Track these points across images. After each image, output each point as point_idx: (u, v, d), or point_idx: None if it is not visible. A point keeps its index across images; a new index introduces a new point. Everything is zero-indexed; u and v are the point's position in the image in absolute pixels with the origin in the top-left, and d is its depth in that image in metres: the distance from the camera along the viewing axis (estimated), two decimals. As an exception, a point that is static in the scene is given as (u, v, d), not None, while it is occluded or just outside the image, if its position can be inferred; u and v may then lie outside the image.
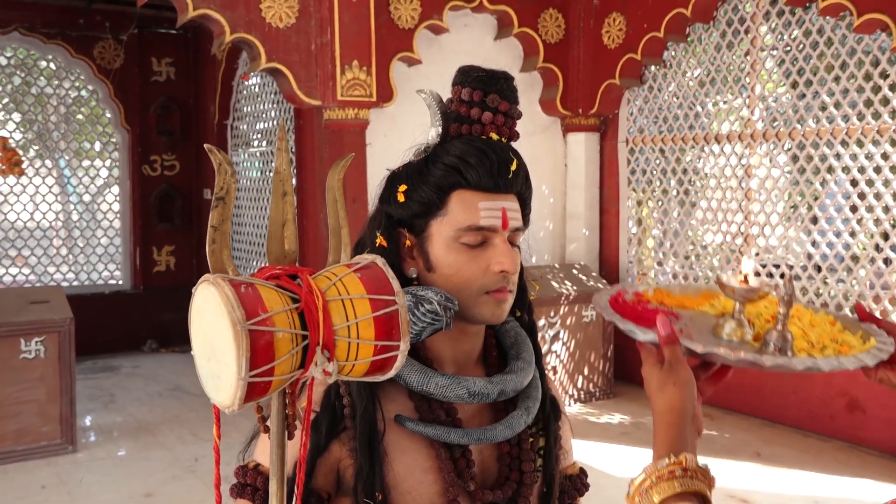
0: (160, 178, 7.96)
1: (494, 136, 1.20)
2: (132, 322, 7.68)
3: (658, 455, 0.91)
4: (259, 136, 7.04)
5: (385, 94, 5.42)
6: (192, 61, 8.02)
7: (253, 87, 7.04)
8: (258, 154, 7.07)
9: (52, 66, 7.65)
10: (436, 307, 1.10)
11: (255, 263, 7.03)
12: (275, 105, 6.61)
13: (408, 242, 1.21)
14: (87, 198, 8.00)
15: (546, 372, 1.33)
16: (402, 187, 1.21)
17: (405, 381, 1.16)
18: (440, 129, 1.21)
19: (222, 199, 0.81)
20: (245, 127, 7.26)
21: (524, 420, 1.21)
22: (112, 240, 7.98)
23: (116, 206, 8.01)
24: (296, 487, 0.87)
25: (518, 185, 1.21)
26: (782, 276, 0.98)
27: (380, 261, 0.84)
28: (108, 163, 7.99)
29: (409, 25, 5.52)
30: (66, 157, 7.90)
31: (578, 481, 1.39)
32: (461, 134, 1.20)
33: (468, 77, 1.22)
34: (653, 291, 1.12)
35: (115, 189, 8.01)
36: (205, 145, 0.87)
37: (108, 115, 7.82)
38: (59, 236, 7.95)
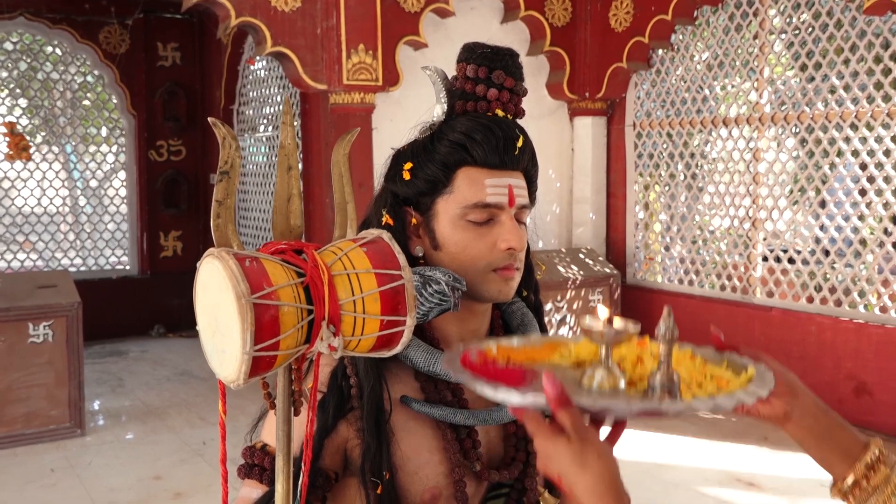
0: (167, 164, 7.95)
1: (500, 113, 1.19)
2: (140, 307, 7.70)
3: None
4: (265, 121, 7.02)
5: (391, 78, 5.40)
6: (197, 46, 8.00)
7: (259, 72, 7.02)
8: (264, 139, 7.06)
9: (57, 51, 7.63)
10: (444, 287, 1.09)
11: (261, 248, 7.02)
12: (281, 90, 6.59)
13: (414, 221, 1.20)
14: (93, 183, 8.00)
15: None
16: (408, 165, 1.20)
17: (411, 362, 1.15)
18: (445, 107, 1.20)
19: (227, 173, 0.80)
20: (251, 112, 7.24)
21: (531, 400, 1.21)
22: (119, 225, 7.99)
23: (123, 192, 8.01)
24: (303, 465, 0.86)
25: (524, 161, 1.20)
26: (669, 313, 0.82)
27: (386, 235, 0.83)
28: (114, 148, 7.99)
29: (415, 9, 5.48)
30: (73, 143, 7.89)
31: (585, 462, 1.38)
32: (467, 111, 1.19)
33: (473, 54, 1.21)
34: (496, 349, 0.99)
35: (122, 174, 8.01)
36: (209, 119, 0.86)
37: (115, 100, 7.81)
38: (67, 222, 7.97)
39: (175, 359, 6.85)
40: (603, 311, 0.87)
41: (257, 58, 6.78)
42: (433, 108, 1.22)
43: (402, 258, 0.81)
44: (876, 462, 0.97)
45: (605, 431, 0.91)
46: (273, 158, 6.84)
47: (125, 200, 8.00)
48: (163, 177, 7.91)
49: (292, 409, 0.83)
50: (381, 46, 5.33)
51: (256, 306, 0.70)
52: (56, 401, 4.83)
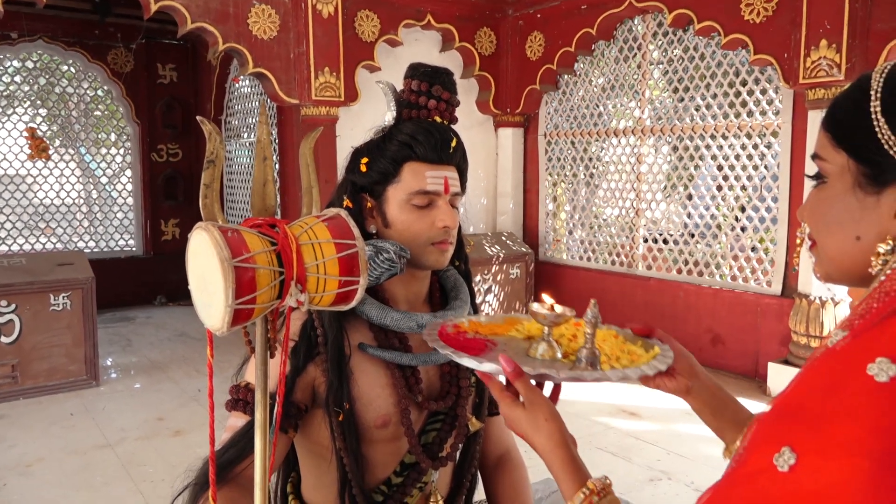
0: (166, 164, 7.71)
1: (438, 119, 1.19)
2: (144, 281, 7.48)
3: (571, 491, 0.81)
4: (248, 129, 6.85)
5: (351, 95, 5.33)
6: (191, 66, 7.75)
7: (242, 89, 6.84)
8: (247, 144, 6.89)
9: (72, 69, 7.30)
10: (392, 255, 1.09)
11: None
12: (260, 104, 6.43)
13: (369, 204, 1.20)
14: (104, 179, 7.71)
15: (479, 309, 1.34)
16: (364, 160, 1.20)
17: (367, 316, 1.15)
18: (395, 113, 1.20)
19: (212, 161, 0.78)
20: (237, 122, 7.06)
21: (462, 346, 1.22)
22: (126, 214, 7.73)
23: (130, 187, 7.74)
24: (277, 398, 0.86)
25: (457, 158, 1.20)
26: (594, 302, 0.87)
27: (343, 213, 0.82)
28: (122, 151, 7.69)
29: (370, 39, 5.42)
30: (87, 146, 7.58)
31: (504, 395, 1.40)
32: (412, 117, 1.19)
33: (417, 71, 1.21)
34: (468, 323, 1.03)
35: (129, 172, 7.73)
36: (197, 117, 0.84)
37: (122, 110, 7.52)
38: (82, 211, 7.66)
39: (175, 323, 6.68)
40: (547, 299, 0.91)
41: (241, 77, 6.61)
42: (385, 115, 1.22)
43: (356, 231, 0.80)
44: None
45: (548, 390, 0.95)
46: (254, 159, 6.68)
47: (131, 194, 7.74)
48: (163, 175, 7.67)
49: (268, 352, 0.82)
50: (343, 69, 5.26)
51: (237, 268, 0.69)
52: (74, 358, 4.68)
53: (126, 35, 7.15)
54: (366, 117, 5.42)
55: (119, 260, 7.49)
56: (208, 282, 0.71)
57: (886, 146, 0.69)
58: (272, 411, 0.91)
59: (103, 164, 7.66)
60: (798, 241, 0.83)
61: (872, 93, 0.71)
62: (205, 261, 0.71)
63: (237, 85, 6.90)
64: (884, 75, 0.71)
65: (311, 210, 0.86)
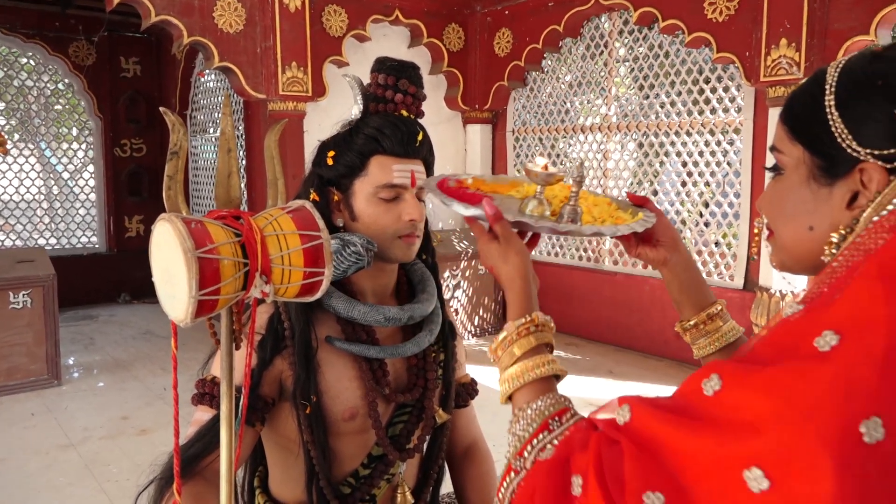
0: (130, 160, 7.56)
1: (405, 113, 1.20)
2: (108, 278, 7.32)
3: (516, 315, 0.87)
4: (214, 124, 6.75)
5: (319, 90, 5.29)
6: (155, 60, 7.60)
7: (208, 83, 6.74)
8: (213, 139, 6.80)
9: (31, 62, 7.10)
10: (359, 249, 1.10)
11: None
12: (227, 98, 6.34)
13: (336, 198, 1.20)
14: (66, 175, 7.53)
15: (446, 302, 1.35)
16: (331, 153, 1.19)
17: (334, 309, 1.15)
18: (362, 107, 1.20)
19: (176, 153, 0.78)
20: (202, 117, 6.96)
21: (428, 339, 1.23)
22: (89, 210, 7.56)
23: (92, 182, 7.57)
24: (243, 388, 0.85)
25: (423, 152, 1.21)
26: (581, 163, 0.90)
27: (308, 205, 0.82)
28: (84, 145, 7.52)
29: (338, 34, 5.38)
30: (47, 141, 7.39)
31: (470, 387, 1.42)
32: (378, 111, 1.19)
33: (384, 65, 1.21)
34: (471, 180, 1.06)
35: (91, 168, 7.56)
36: (160, 108, 0.84)
37: (83, 104, 7.35)
38: (42, 207, 7.47)
39: (139, 321, 6.56)
40: (540, 160, 0.94)
41: (206, 71, 6.51)
42: (352, 109, 1.22)
43: (320, 222, 0.81)
44: (715, 315, 1.00)
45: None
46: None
47: (94, 189, 7.56)
48: (127, 170, 7.51)
49: (234, 345, 0.81)
50: (311, 64, 5.21)
51: (200, 259, 0.68)
52: (35, 357, 4.57)
53: (88, 27, 6.99)
54: (334, 112, 5.37)
55: (81, 257, 7.33)
56: (172, 273, 0.71)
57: (839, 139, 0.72)
58: (238, 404, 0.90)
59: (64, 160, 7.48)
60: (756, 231, 0.87)
61: (827, 87, 0.73)
62: (168, 252, 0.70)
63: (202, 79, 6.79)
64: (838, 70, 0.74)
65: (276, 202, 0.86)
